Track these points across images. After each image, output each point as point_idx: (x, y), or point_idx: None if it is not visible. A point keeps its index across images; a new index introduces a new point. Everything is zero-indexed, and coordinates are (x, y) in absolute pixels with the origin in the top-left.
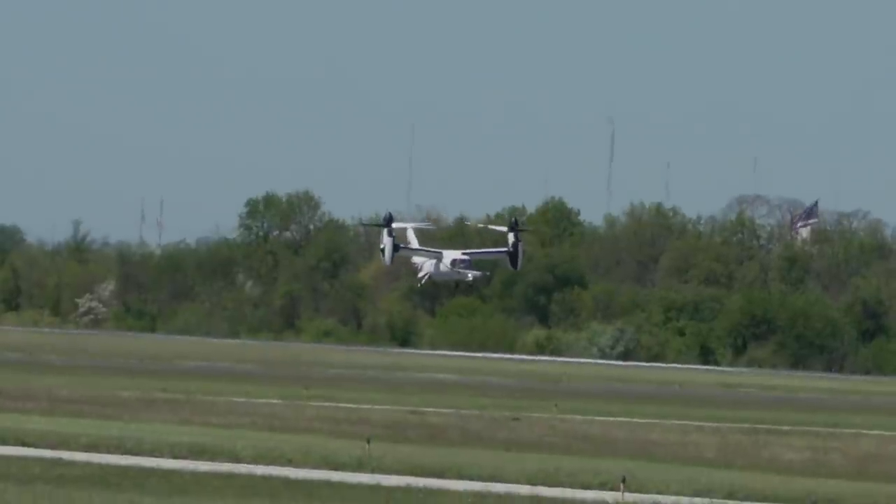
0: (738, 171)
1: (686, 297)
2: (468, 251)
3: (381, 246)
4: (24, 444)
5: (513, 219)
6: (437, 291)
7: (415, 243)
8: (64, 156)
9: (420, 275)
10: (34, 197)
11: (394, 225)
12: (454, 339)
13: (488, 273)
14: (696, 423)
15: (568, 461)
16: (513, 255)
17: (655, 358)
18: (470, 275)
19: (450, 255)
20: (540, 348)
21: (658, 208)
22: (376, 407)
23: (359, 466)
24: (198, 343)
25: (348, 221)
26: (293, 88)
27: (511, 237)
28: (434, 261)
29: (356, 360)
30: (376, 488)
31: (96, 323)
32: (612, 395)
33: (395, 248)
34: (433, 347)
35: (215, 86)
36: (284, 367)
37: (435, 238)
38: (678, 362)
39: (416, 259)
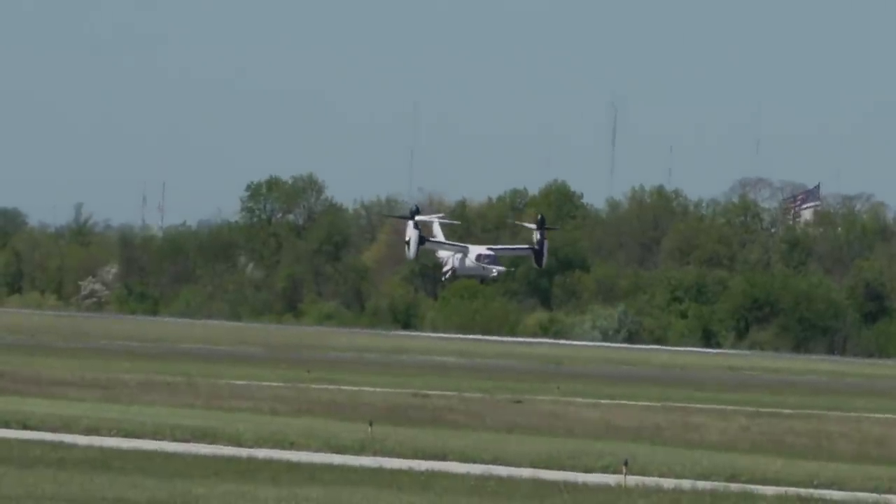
0: (741, 153)
1: (689, 278)
2: (493, 247)
3: (406, 238)
4: (25, 427)
5: (539, 216)
6: (438, 274)
7: (440, 237)
8: (66, 139)
9: (445, 269)
10: (36, 180)
11: (420, 218)
12: (456, 322)
13: (513, 269)
14: (699, 406)
15: (570, 444)
16: (538, 253)
17: (658, 341)
18: (495, 270)
19: (475, 250)
20: (542, 331)
21: (660, 191)
22: (378, 390)
23: (361, 449)
24: (199, 326)
25: (349, 205)
26: (293, 71)
27: (537, 235)
28: (459, 255)
29: (358, 343)
30: (378, 471)
31: (98, 306)
32: (615, 377)
33: (421, 241)
34: (435, 330)
35: (217, 69)
36: (286, 350)
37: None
38: (680, 345)
39: (441, 253)
